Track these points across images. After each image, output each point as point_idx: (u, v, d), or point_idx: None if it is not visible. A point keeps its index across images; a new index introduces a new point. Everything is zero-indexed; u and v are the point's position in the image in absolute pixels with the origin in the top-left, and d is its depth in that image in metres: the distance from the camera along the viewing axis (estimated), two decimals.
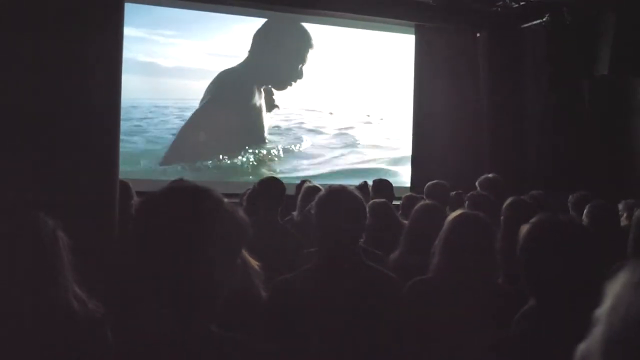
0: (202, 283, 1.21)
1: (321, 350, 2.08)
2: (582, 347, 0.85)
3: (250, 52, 8.21)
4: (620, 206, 4.50)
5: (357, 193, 2.30)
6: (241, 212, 1.29)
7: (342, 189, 2.28)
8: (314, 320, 2.08)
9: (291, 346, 1.98)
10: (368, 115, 8.92)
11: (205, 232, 1.20)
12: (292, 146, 8.51)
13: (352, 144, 8.82)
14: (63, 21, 2.86)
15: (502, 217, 3.50)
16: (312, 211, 2.28)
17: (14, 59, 2.82)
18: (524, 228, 1.72)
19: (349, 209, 2.20)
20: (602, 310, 0.82)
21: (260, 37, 8.24)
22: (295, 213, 4.37)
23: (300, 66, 8.47)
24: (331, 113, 8.75)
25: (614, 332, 0.77)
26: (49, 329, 1.76)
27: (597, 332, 0.81)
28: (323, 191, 2.30)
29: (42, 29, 2.83)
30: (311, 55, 8.54)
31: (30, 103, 2.84)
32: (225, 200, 1.28)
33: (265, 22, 8.26)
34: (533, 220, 1.73)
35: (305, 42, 8.49)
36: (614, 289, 0.81)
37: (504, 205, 3.55)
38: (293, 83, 8.44)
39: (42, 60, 2.85)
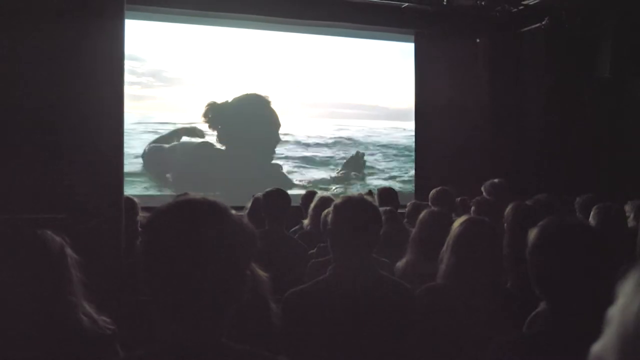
0: (211, 295, 1.21)
1: None
2: (596, 347, 0.84)
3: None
4: (627, 207, 4.48)
5: (374, 202, 2.29)
6: (249, 224, 1.29)
7: (360, 198, 2.28)
8: (329, 332, 2.07)
9: (305, 358, 1.97)
10: (369, 123, 8.93)
11: (213, 244, 1.20)
12: (296, 156, 8.52)
13: (354, 152, 8.82)
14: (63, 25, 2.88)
15: (504, 222, 3.49)
16: (328, 219, 2.27)
17: (18, 80, 2.84)
18: (533, 231, 1.72)
19: (366, 218, 2.20)
20: (615, 310, 0.82)
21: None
22: (305, 222, 4.37)
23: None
24: (332, 121, 8.77)
25: (627, 330, 0.77)
26: (59, 346, 1.76)
27: (610, 332, 0.81)
28: (340, 199, 2.29)
29: (43, 30, 2.85)
30: (311, 66, 8.56)
31: (34, 120, 2.86)
32: (233, 211, 1.28)
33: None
34: (541, 223, 1.73)
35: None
36: (626, 288, 0.81)
37: (506, 211, 3.54)
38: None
39: (46, 77, 2.87)
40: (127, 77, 7.39)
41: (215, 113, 7.95)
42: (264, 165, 8.21)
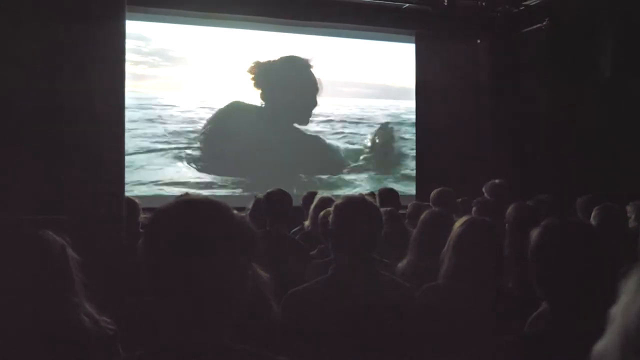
0: (213, 295, 1.21)
1: None
2: (598, 346, 0.84)
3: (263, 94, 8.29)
4: (629, 208, 4.48)
5: (374, 202, 2.29)
6: (250, 223, 1.29)
7: (360, 198, 2.28)
8: (329, 331, 2.07)
9: (307, 358, 1.97)
10: (370, 125, 8.93)
11: (215, 244, 1.20)
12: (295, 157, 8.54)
13: (355, 154, 8.82)
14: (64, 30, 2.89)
15: (506, 223, 3.49)
16: (329, 219, 2.27)
17: (18, 82, 2.84)
18: (535, 231, 1.72)
19: (367, 218, 2.20)
20: (617, 308, 0.81)
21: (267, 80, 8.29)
22: (307, 223, 4.38)
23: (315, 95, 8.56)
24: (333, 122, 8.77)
25: (629, 329, 0.77)
26: (61, 347, 1.76)
27: (612, 331, 0.81)
28: (341, 199, 2.29)
29: (44, 38, 2.85)
30: (313, 70, 8.60)
31: (34, 122, 2.86)
32: (235, 211, 1.28)
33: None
34: (543, 223, 1.72)
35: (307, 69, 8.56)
36: (628, 287, 0.81)
37: (508, 211, 3.54)
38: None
39: (46, 79, 2.88)
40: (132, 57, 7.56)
41: (260, 71, 8.24)
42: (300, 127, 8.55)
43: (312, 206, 4.25)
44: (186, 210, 1.24)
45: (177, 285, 1.20)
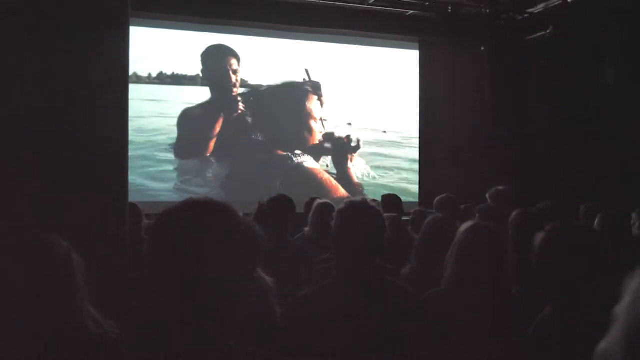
0: (219, 298, 1.21)
1: None
2: (602, 345, 0.84)
3: None
4: (634, 215, 4.46)
5: (377, 207, 2.29)
6: (256, 226, 1.29)
7: (363, 203, 2.28)
8: (333, 336, 2.07)
9: None
10: (374, 131, 8.93)
11: (221, 246, 1.20)
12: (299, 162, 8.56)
13: (358, 160, 8.82)
14: (68, 40, 2.90)
15: (509, 229, 3.47)
16: (332, 224, 2.27)
17: (22, 87, 2.85)
18: (539, 236, 1.72)
19: (369, 222, 2.20)
20: (621, 307, 0.81)
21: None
22: (307, 229, 4.37)
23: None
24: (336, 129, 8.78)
25: (632, 327, 0.77)
26: (65, 350, 1.76)
27: (616, 329, 0.81)
28: (344, 204, 2.29)
29: (47, 44, 2.87)
30: (315, 73, 8.62)
31: (39, 127, 2.87)
32: (240, 214, 1.28)
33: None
34: (547, 228, 1.73)
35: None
36: (632, 286, 0.81)
37: (511, 217, 3.53)
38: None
39: (50, 85, 2.89)
40: None
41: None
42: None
43: (311, 212, 4.25)
44: (191, 212, 1.24)
45: (182, 288, 1.20)
